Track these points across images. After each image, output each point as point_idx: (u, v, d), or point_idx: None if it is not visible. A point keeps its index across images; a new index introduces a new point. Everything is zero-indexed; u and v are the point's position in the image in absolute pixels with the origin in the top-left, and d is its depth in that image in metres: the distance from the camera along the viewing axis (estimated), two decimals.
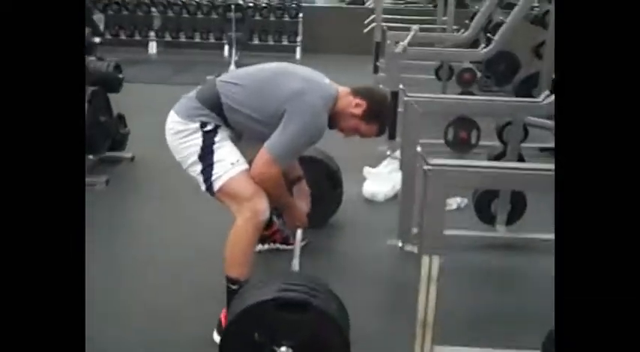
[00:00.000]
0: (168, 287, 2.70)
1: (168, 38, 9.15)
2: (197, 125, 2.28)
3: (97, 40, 3.87)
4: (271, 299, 1.81)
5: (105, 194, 3.80)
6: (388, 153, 3.80)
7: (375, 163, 3.97)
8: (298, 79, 2.34)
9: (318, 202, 2.99)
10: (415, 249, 2.15)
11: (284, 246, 3.00)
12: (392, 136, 4.35)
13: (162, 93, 5.03)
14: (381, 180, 3.71)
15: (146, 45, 9.05)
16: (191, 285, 2.68)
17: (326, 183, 3.17)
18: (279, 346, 1.81)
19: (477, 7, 6.86)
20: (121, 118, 4.38)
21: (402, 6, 9.53)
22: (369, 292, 2.67)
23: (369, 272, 2.86)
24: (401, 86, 3.32)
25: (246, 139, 2.43)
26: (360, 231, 3.30)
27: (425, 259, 1.94)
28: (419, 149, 2.21)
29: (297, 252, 2.48)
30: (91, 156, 4.06)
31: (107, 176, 3.93)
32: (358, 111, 2.38)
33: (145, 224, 3.44)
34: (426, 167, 1.86)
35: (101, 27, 6.15)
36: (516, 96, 4.82)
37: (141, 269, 2.87)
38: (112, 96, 4.18)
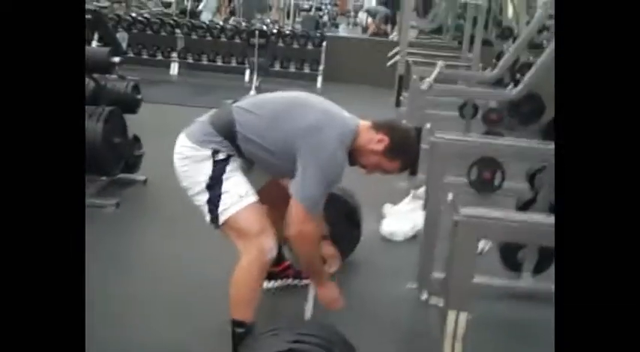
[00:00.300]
0: (170, 323, 2.55)
1: (190, 60, 9.11)
2: (209, 153, 2.15)
3: (116, 59, 3.79)
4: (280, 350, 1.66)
5: (113, 217, 3.68)
6: (411, 192, 3.66)
7: (394, 200, 3.82)
8: (315, 111, 2.21)
9: (335, 242, 2.86)
10: (439, 302, 2.00)
11: (297, 282, 2.86)
12: (414, 172, 4.22)
13: (181, 114, 4.92)
14: (402, 218, 3.56)
15: (168, 65, 9.02)
16: (195, 321, 2.53)
17: (345, 222, 3.03)
18: None
19: (504, 46, 6.77)
20: (136, 139, 4.29)
21: (427, 41, 9.47)
22: (386, 341, 2.50)
23: (387, 318, 2.69)
24: (428, 125, 3.19)
25: (258, 169, 2.31)
26: (378, 272, 3.14)
27: (451, 315, 1.79)
28: (450, 197, 2.06)
29: (310, 297, 2.33)
30: (102, 178, 3.96)
31: (117, 199, 3.82)
32: (380, 147, 2.24)
33: (150, 252, 3.30)
34: (456, 217, 1.72)
35: (124, 45, 6.13)
36: (543, 139, 4.67)
37: (139, 303, 2.73)
38: (129, 116, 4.09)
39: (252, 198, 2.16)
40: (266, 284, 2.77)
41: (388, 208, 3.67)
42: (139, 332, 2.47)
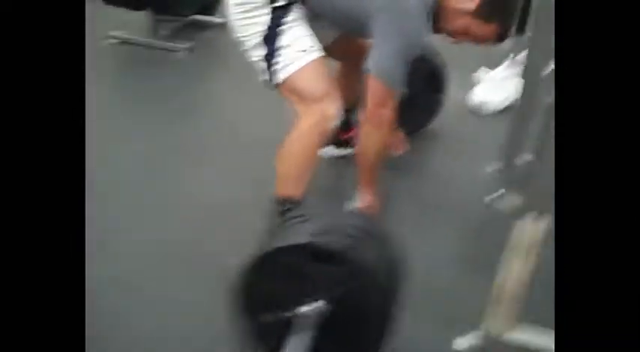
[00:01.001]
0: (221, 176, 2.41)
1: None
2: None
3: None
4: (301, 245, 1.43)
5: (185, 63, 3.49)
6: (511, 55, 3.16)
7: (492, 64, 3.31)
8: None
9: (411, 106, 2.55)
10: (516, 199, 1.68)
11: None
12: (521, 29, 3.62)
13: None
14: (495, 87, 3.13)
15: None
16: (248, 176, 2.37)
17: (425, 84, 2.66)
18: (308, 301, 1.47)
19: None
20: None
21: None
22: (453, 234, 2.21)
23: (458, 205, 2.36)
24: None
25: (325, 24, 1.97)
26: (457, 148, 2.79)
27: (529, 217, 1.48)
28: (552, 65, 1.66)
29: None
30: (176, 19, 3.71)
31: (191, 43, 3.59)
32: (471, 4, 1.83)
33: (219, 103, 3.11)
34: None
35: None
36: None
37: (190, 155, 2.58)
38: None
39: (316, 54, 1.85)
40: (328, 152, 2.54)
41: (482, 73, 3.22)
42: (186, 183, 2.36)
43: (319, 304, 1.45)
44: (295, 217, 1.52)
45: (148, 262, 1.94)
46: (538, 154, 1.80)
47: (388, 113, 1.82)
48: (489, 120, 3.06)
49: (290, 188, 1.89)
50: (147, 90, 3.16)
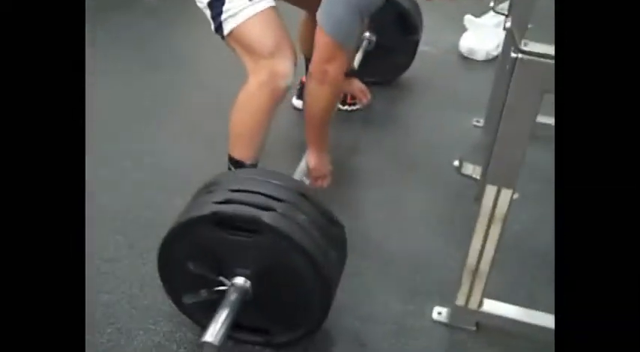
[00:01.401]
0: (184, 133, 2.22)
1: None
2: None
3: None
4: (206, 215, 1.26)
5: (154, 9, 3.26)
6: (491, 3, 2.92)
7: (477, 11, 3.06)
8: None
9: (382, 52, 2.42)
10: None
11: (345, 107, 2.43)
12: None
13: None
14: (485, 33, 2.88)
15: None
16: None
17: (394, 26, 2.45)
18: (230, 276, 1.31)
19: None
20: None
21: None
22: (426, 197, 2.01)
23: (434, 164, 2.15)
24: None
25: None
26: (441, 98, 2.57)
27: (490, 189, 1.30)
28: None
29: (304, 163, 1.87)
30: None
31: None
32: None
33: (189, 52, 2.90)
34: (516, 53, 1.14)
35: None
36: None
37: (149, 111, 2.39)
38: None
39: (266, 3, 1.63)
40: (299, 104, 2.34)
41: (470, 19, 2.95)
42: (153, 143, 2.18)
43: (240, 279, 1.30)
44: (209, 186, 1.34)
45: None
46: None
47: (334, 69, 1.61)
48: (479, 69, 2.83)
49: (241, 151, 1.70)
50: (118, 37, 2.96)
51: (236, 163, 1.71)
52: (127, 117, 2.34)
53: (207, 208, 1.25)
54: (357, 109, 2.43)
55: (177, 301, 1.42)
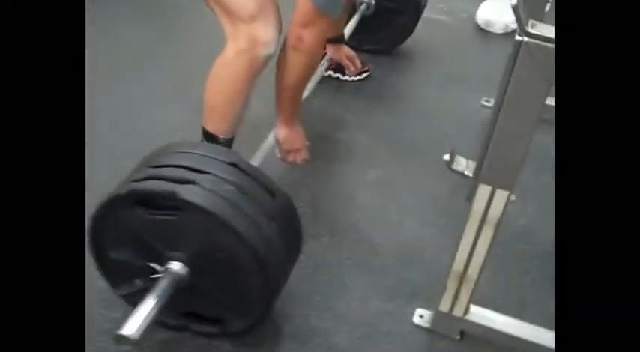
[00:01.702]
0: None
1: None
2: None
3: None
4: (122, 195, 1.12)
5: None
6: None
7: None
8: None
9: (384, 15, 2.25)
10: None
11: (338, 76, 2.24)
12: None
13: None
14: (504, 4, 2.66)
15: None
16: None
17: None
18: (166, 262, 1.18)
19: None
20: None
21: None
22: (424, 184, 1.84)
23: (436, 146, 1.94)
24: None
25: None
26: (449, 71, 2.38)
27: (483, 190, 1.13)
28: None
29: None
30: None
31: None
32: None
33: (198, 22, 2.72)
34: (520, 37, 0.97)
35: None
36: None
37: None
38: None
39: None
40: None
41: None
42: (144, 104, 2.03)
43: (175, 265, 1.17)
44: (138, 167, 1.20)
45: None
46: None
47: (310, 36, 1.43)
48: (495, 43, 2.63)
49: (215, 124, 1.55)
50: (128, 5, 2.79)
51: (210, 137, 1.55)
52: (110, 73, 2.19)
53: (126, 187, 1.12)
54: (357, 80, 2.25)
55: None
